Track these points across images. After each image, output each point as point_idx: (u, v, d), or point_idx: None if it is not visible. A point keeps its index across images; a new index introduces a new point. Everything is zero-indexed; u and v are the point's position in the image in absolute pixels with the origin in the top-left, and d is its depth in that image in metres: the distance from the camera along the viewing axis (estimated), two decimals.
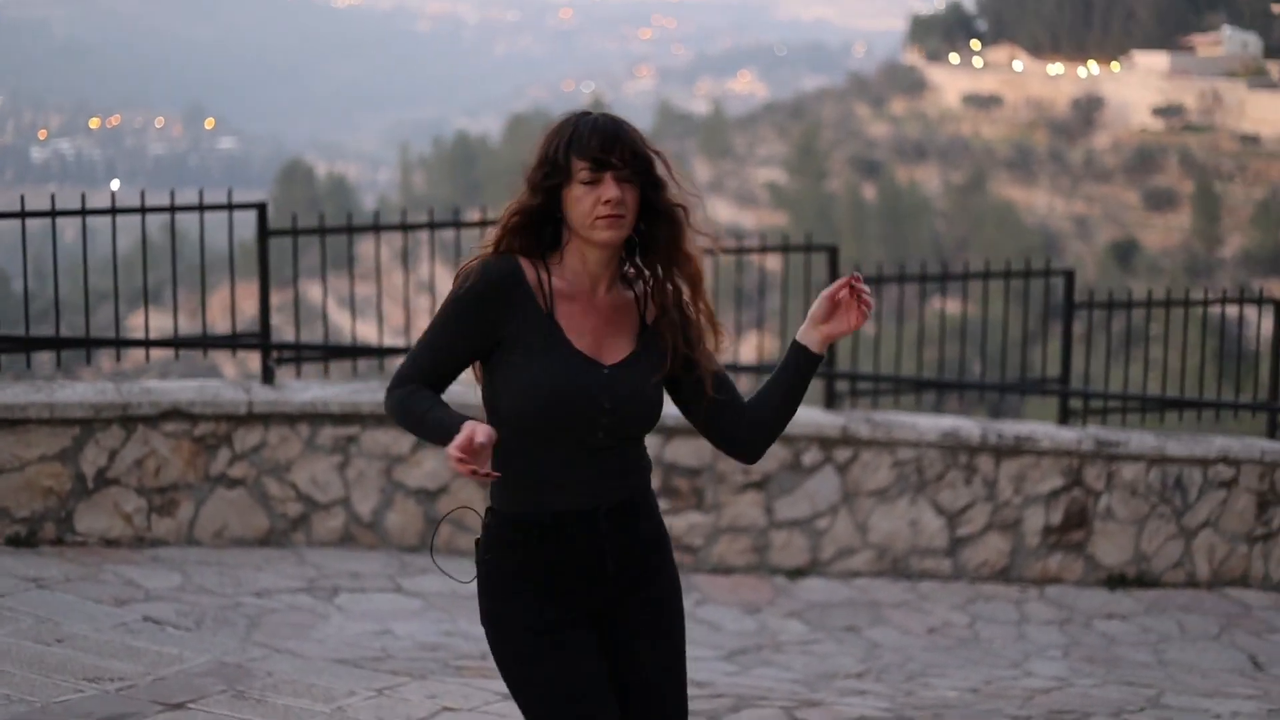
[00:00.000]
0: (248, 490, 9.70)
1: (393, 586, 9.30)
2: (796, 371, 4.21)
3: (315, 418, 9.75)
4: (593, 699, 4.07)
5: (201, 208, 9.77)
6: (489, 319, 4.04)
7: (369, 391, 10.00)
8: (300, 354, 10.32)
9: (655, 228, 4.12)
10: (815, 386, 11.41)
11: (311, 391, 9.92)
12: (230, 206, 9.85)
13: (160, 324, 10.26)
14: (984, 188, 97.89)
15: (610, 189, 3.99)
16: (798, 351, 4.19)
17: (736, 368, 11.08)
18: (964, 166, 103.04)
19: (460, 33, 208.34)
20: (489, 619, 4.13)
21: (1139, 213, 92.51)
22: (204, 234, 9.75)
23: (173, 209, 9.74)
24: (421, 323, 4.91)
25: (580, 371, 4.01)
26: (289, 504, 9.77)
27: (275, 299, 10.15)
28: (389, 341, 13.34)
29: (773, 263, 10.89)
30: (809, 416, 10.53)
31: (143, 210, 9.67)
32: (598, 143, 4.00)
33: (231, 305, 10.08)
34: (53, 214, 9.42)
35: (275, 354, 10.15)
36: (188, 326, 9.61)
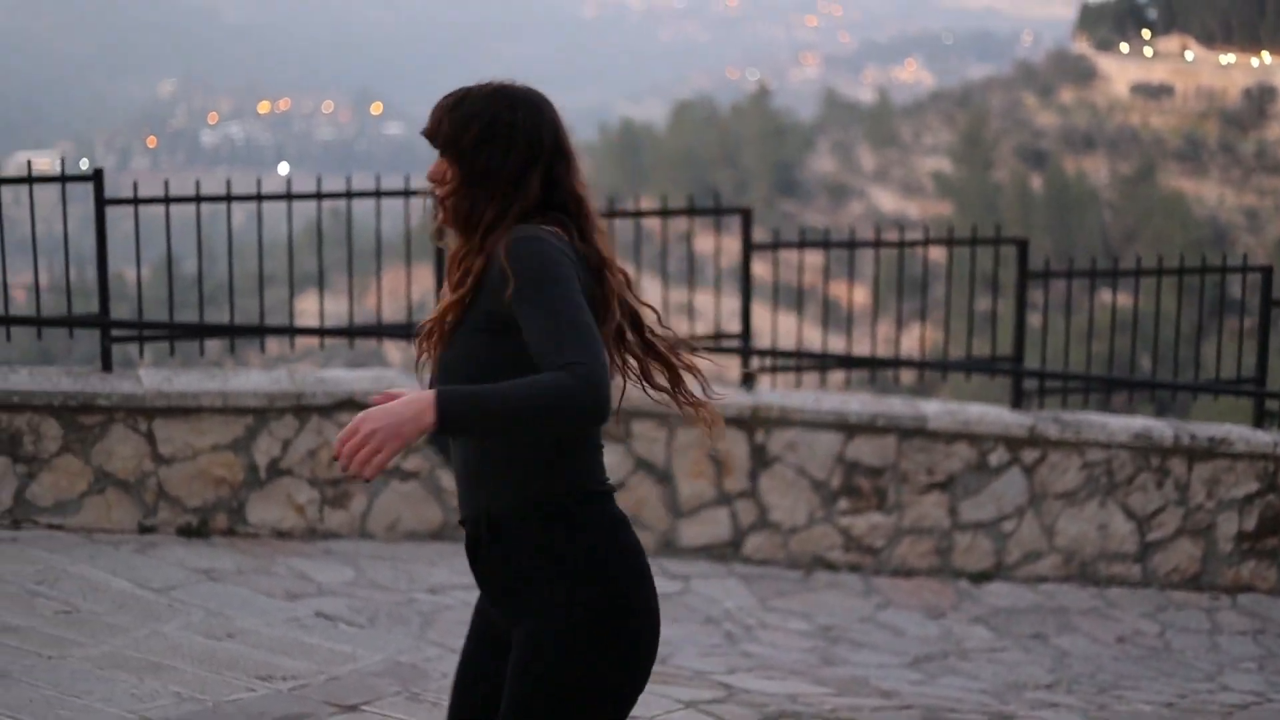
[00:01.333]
0: (421, 483, 9.52)
1: None
2: None
3: None
4: (459, 679, 3.89)
5: (379, 194, 9.62)
6: None
7: None
8: None
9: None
10: (1002, 384, 11.09)
11: None
12: (407, 193, 9.66)
13: (329, 309, 10.13)
14: (1153, 179, 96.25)
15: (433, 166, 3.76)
16: None
17: (899, 361, 10.77)
18: (1133, 157, 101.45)
19: (625, 18, 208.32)
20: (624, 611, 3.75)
21: None
22: (380, 220, 9.60)
23: (349, 195, 9.61)
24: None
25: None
26: None
27: None
28: None
29: (936, 253, 10.59)
30: (995, 415, 10.20)
31: (319, 196, 9.55)
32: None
33: (407, 293, 9.92)
34: (228, 199, 9.32)
35: None
36: (357, 313, 9.46)
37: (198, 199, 9.32)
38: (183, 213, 9.51)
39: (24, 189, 9.34)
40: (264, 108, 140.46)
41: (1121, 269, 11.06)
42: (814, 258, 11.06)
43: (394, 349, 52.57)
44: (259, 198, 9.46)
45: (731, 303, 10.63)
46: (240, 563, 8.82)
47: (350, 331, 9.99)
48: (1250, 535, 10.42)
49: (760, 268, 10.82)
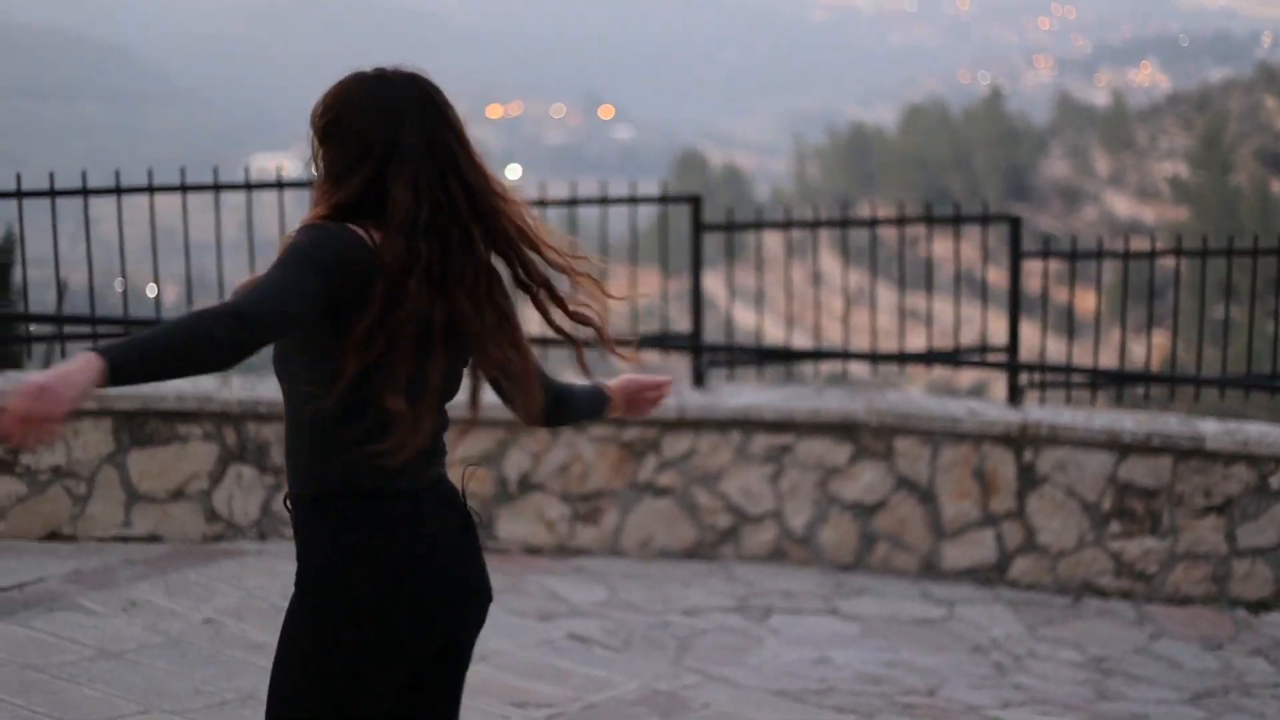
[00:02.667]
0: (675, 500, 9.21)
1: (828, 609, 8.70)
2: (593, 405, 4.25)
3: (748, 425, 9.21)
4: None
5: (635, 200, 9.35)
6: None
7: (803, 398, 9.44)
8: (733, 356, 9.79)
9: None
10: None
11: (744, 397, 9.38)
12: (665, 199, 9.38)
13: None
14: None
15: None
16: (601, 396, 4.25)
17: (1122, 375, 10.24)
18: None
19: (854, 22, 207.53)
20: None
21: None
22: (636, 227, 9.31)
23: (604, 201, 9.35)
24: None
25: None
26: (718, 515, 9.26)
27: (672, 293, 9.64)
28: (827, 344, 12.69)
29: (1168, 260, 10.14)
30: (1277, 436, 9.63)
31: (572, 203, 9.32)
32: None
33: (632, 296, 9.59)
34: None
35: (706, 356, 9.64)
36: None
37: None
38: None
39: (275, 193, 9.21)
40: (494, 112, 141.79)
41: None
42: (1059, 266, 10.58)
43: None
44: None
45: (970, 311, 10.20)
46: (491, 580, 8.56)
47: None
48: None
49: (995, 275, 10.36)
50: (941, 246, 11.68)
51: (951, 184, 79.46)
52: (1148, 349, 10.45)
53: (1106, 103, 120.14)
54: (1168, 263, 10.85)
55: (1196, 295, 10.16)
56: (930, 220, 9.99)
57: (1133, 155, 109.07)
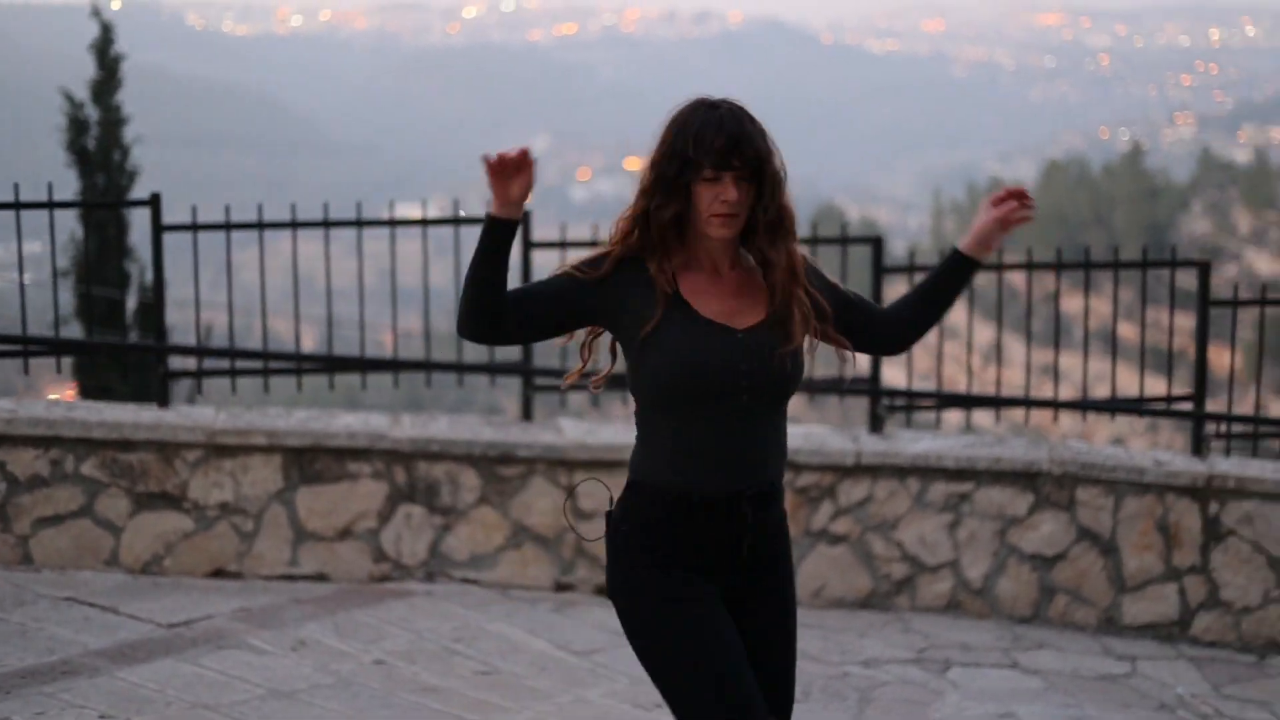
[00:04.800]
0: (850, 547, 8.99)
1: (1008, 662, 8.44)
2: (953, 274, 4.48)
3: (927, 471, 8.98)
4: (734, 665, 4.11)
5: (815, 240, 9.17)
6: (604, 297, 4.18)
7: (984, 445, 9.19)
8: (911, 401, 9.57)
9: (763, 219, 4.15)
10: None
11: (924, 443, 9.15)
12: (845, 240, 9.16)
13: None
14: None
15: (729, 190, 4.06)
16: (955, 255, 4.48)
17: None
18: None
19: (996, 78, 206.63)
20: (622, 588, 4.21)
21: None
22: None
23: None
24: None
25: (713, 337, 4.11)
26: (894, 564, 9.03)
27: None
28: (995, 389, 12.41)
29: None
30: None
31: None
32: (722, 143, 4.04)
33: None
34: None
35: (886, 401, 9.42)
36: None
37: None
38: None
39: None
40: (632, 164, 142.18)
41: None
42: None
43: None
44: None
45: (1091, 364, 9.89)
46: None
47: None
48: None
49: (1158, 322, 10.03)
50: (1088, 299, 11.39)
51: (1092, 240, 78.78)
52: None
53: (1248, 160, 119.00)
54: None
55: None
56: (1118, 265, 9.73)
57: (1275, 213, 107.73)
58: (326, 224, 8.92)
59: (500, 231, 4.02)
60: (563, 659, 7.74)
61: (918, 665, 8.23)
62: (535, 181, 4.03)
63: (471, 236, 8.96)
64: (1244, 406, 10.80)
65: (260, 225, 8.88)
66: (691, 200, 4.09)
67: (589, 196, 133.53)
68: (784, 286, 4.16)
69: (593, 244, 9.03)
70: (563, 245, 9.04)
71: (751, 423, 4.14)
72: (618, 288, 4.16)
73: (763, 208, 4.11)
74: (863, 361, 10.15)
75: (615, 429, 9.11)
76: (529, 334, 4.20)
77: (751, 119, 4.11)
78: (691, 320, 4.11)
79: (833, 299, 4.31)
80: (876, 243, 9.37)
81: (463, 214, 9.03)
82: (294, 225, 8.95)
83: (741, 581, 4.24)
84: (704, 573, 4.17)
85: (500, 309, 4.06)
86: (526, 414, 9.16)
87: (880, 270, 9.29)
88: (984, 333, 33.60)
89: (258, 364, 9.02)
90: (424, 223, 9.16)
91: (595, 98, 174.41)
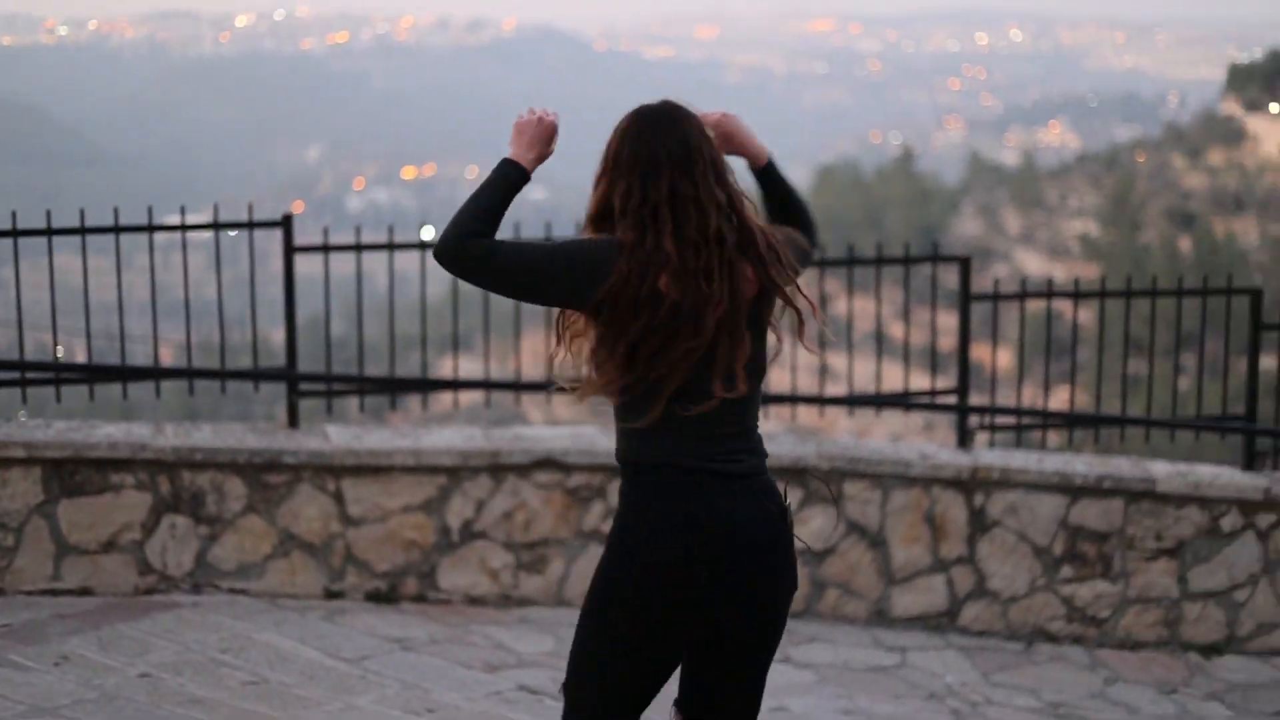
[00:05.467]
0: None
1: (780, 656, 8.47)
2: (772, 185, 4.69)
3: None
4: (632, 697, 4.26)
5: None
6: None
7: None
8: None
9: None
10: (1233, 444, 10.42)
11: None
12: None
13: (469, 368, 10.00)
14: None
15: None
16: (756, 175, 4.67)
17: (1074, 417, 10.11)
18: None
19: (769, 84, 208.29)
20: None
21: None
22: None
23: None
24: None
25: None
26: None
27: None
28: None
29: (1084, 315, 10.14)
30: (1229, 477, 9.52)
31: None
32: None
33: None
34: (420, 246, 8.87)
35: None
36: (498, 373, 9.03)
37: (390, 246, 8.87)
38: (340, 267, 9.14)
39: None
40: (409, 173, 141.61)
41: None
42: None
43: (535, 408, 52.16)
44: (422, 246, 8.98)
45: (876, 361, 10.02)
46: (433, 631, 8.33)
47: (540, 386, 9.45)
48: None
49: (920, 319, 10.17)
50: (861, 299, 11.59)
51: (864, 242, 79.81)
52: (1122, 394, 10.28)
53: (1016, 162, 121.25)
54: (1083, 314, 10.78)
55: (1120, 342, 10.05)
56: (880, 262, 9.83)
57: (1043, 214, 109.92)
58: (83, 231, 8.70)
59: (515, 173, 4.22)
60: (333, 667, 7.65)
61: None
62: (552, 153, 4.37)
63: (233, 243, 8.81)
64: (1010, 400, 10.98)
65: (15, 233, 8.64)
66: None
67: (364, 205, 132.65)
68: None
69: (356, 248, 8.96)
70: (325, 249, 8.94)
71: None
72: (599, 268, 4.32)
73: None
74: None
75: (382, 435, 9.02)
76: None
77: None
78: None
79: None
80: None
81: (223, 219, 8.89)
82: (49, 233, 8.72)
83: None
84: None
85: (489, 233, 4.14)
86: (292, 420, 9.04)
87: None
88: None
89: (14, 374, 8.80)
90: (183, 228, 8.96)
91: (369, 107, 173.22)
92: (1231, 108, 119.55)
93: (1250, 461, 9.82)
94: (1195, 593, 9.48)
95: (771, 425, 10.84)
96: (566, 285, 4.09)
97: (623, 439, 4.24)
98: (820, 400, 9.79)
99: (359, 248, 8.90)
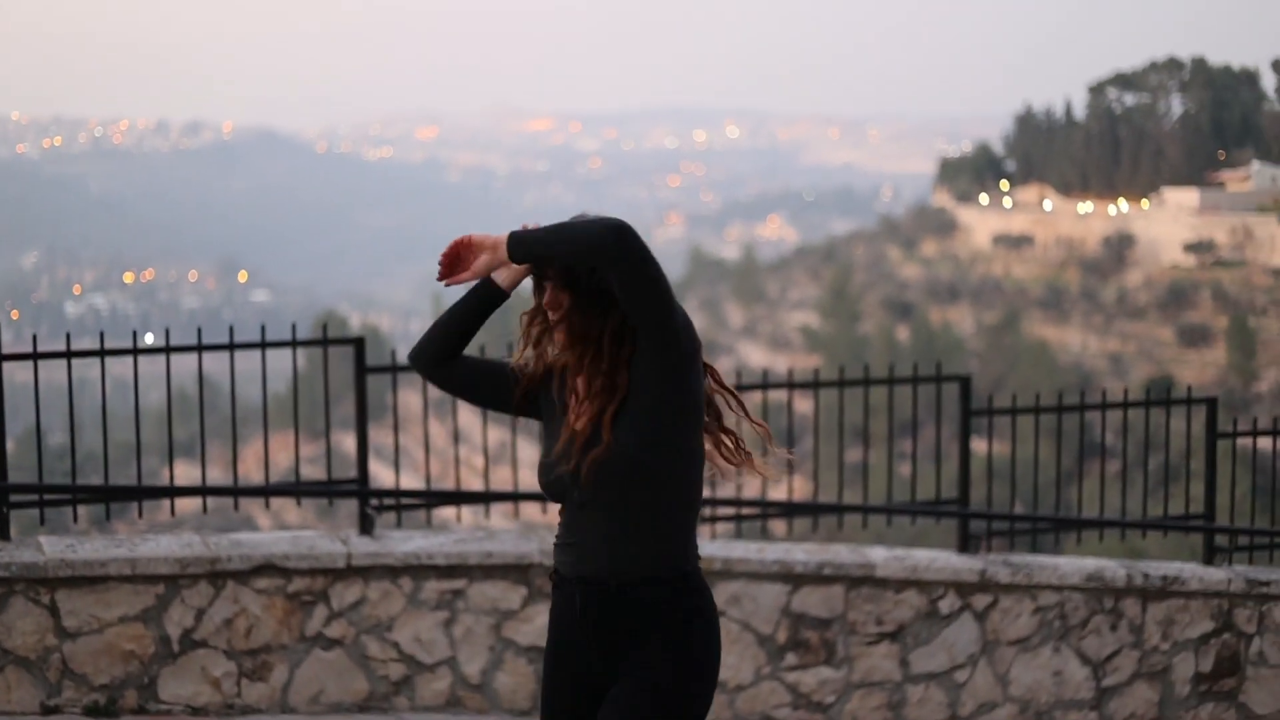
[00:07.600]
0: (346, 650, 8.90)
1: None
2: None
3: (419, 570, 8.96)
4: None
5: (263, 345, 8.90)
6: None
7: (475, 541, 9.22)
8: (400, 501, 9.53)
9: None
10: (948, 528, 10.64)
11: (414, 542, 9.13)
12: (325, 342, 9.03)
13: (191, 475, 9.89)
14: (1017, 327, 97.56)
15: (546, 297, 4.63)
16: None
17: (842, 507, 10.28)
18: (997, 306, 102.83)
19: (490, 183, 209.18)
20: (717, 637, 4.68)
21: (1173, 349, 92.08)
22: (296, 371, 9.01)
23: (249, 346, 9.00)
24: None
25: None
26: (390, 665, 8.97)
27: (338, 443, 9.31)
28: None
29: (802, 404, 10.39)
30: (945, 560, 9.72)
31: (200, 349, 8.92)
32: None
33: (327, 450, 9.33)
34: (134, 351, 8.72)
35: (375, 501, 9.36)
36: (218, 477, 8.90)
37: (102, 353, 8.71)
38: (50, 377, 8.92)
39: None
40: (129, 278, 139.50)
41: (1066, 404, 10.64)
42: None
43: (261, 513, 51.42)
44: (167, 350, 8.84)
45: None
46: None
47: (266, 491, 9.33)
48: (1207, 676, 9.97)
49: None
50: None
51: None
52: (839, 481, 10.45)
53: (737, 256, 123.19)
54: (804, 404, 10.95)
55: (836, 432, 10.24)
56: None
57: (764, 306, 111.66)
58: None
59: (490, 292, 4.67)
60: None
61: None
62: (505, 265, 4.64)
63: None
64: (748, 491, 11.09)
65: None
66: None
67: (84, 310, 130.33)
68: None
69: (66, 354, 8.77)
70: (34, 357, 8.73)
71: (606, 510, 4.59)
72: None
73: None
74: (349, 462, 10.13)
75: (97, 544, 8.83)
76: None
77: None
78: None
79: None
80: (358, 343, 9.23)
81: None
82: None
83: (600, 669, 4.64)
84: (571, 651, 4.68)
85: (455, 355, 4.70)
86: (3, 532, 8.82)
87: (363, 370, 9.21)
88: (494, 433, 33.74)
89: None
90: None
91: (86, 211, 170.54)
92: (943, 199, 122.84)
93: (965, 544, 10.04)
94: (917, 675, 9.65)
95: (509, 523, 10.88)
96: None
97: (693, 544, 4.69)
98: (543, 496, 9.78)
99: (69, 354, 8.71)
